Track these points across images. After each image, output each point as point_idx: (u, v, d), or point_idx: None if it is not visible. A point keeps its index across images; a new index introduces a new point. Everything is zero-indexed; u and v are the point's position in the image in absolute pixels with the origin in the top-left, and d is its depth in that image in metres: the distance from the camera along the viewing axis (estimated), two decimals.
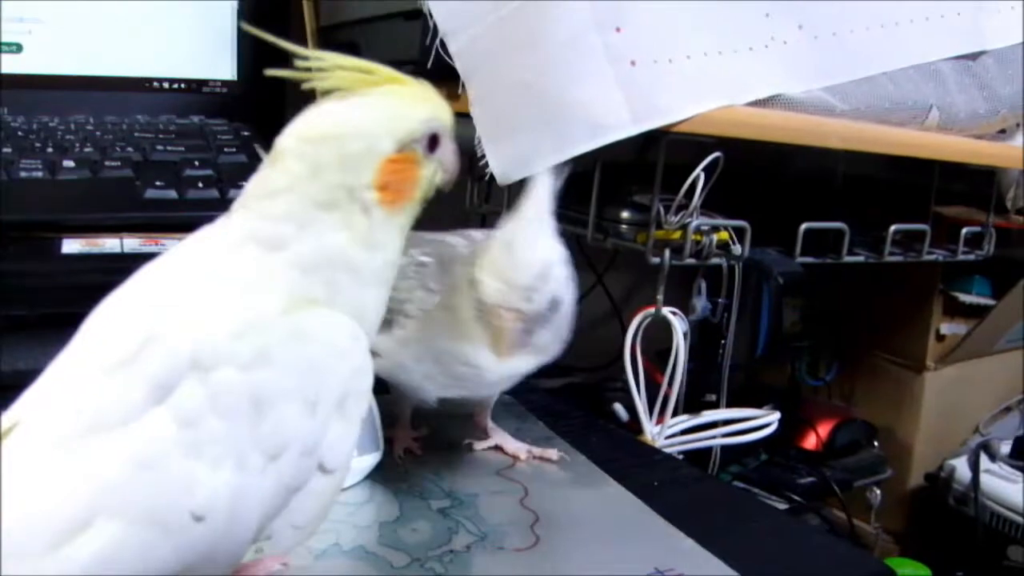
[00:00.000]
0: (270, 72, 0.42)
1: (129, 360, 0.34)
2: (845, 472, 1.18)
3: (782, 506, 1.11)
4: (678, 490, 0.57)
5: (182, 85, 0.95)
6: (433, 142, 0.41)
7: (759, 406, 1.05)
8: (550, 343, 0.55)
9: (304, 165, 0.38)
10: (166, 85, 0.95)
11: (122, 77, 0.93)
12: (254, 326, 0.35)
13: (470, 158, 0.99)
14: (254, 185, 0.40)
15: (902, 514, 1.30)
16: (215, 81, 0.97)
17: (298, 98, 0.94)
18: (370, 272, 0.39)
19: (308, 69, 0.41)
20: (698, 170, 0.76)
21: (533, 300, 0.53)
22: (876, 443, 1.25)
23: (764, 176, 1.01)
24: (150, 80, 0.94)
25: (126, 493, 0.33)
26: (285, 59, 1.02)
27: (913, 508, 1.30)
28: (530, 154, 0.72)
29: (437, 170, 0.42)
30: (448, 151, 0.43)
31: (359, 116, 0.39)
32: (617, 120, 0.72)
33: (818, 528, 1.04)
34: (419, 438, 0.62)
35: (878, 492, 1.22)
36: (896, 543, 1.30)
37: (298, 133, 0.40)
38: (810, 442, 1.17)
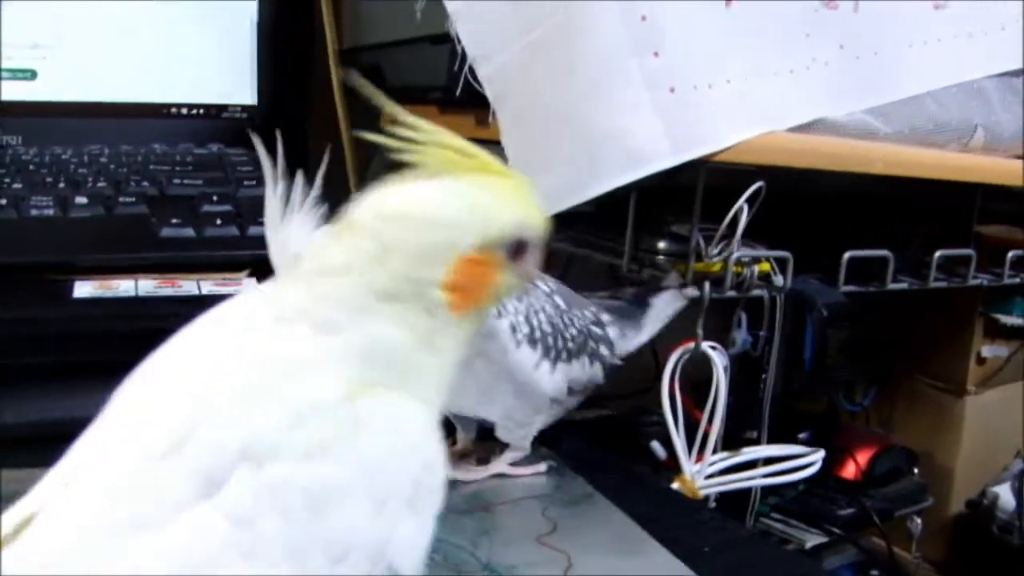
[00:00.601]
0: (362, 135, 0.37)
1: (173, 449, 0.31)
2: (885, 501, 1.14)
3: (821, 538, 1.08)
4: (729, 554, 0.54)
5: (201, 111, 0.92)
6: (518, 249, 0.36)
7: (796, 433, 1.02)
8: None
9: (373, 244, 0.34)
10: (184, 111, 0.92)
11: (138, 103, 0.91)
12: (311, 413, 0.32)
13: None
14: (313, 255, 0.36)
15: (943, 543, 1.26)
16: (235, 106, 0.94)
17: (318, 126, 0.91)
18: (427, 372, 0.35)
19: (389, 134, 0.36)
20: (741, 201, 0.73)
21: None
22: (916, 470, 1.21)
23: (802, 202, 0.98)
24: (168, 106, 0.91)
25: None
26: (306, 85, 1.00)
27: (954, 536, 1.27)
28: (566, 187, 0.69)
29: (515, 280, 0.37)
30: (532, 260, 0.38)
31: (446, 203, 0.35)
32: (656, 151, 0.69)
33: None
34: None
35: (919, 521, 1.18)
36: (937, 573, 1.26)
37: (375, 208, 0.36)
38: (849, 471, 1.13)
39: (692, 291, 0.77)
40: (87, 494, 0.32)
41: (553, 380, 0.56)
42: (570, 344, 0.55)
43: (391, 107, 0.37)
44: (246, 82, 0.94)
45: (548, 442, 0.64)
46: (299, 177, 0.52)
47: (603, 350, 0.57)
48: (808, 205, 0.98)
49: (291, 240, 0.54)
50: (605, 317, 0.60)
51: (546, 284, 0.56)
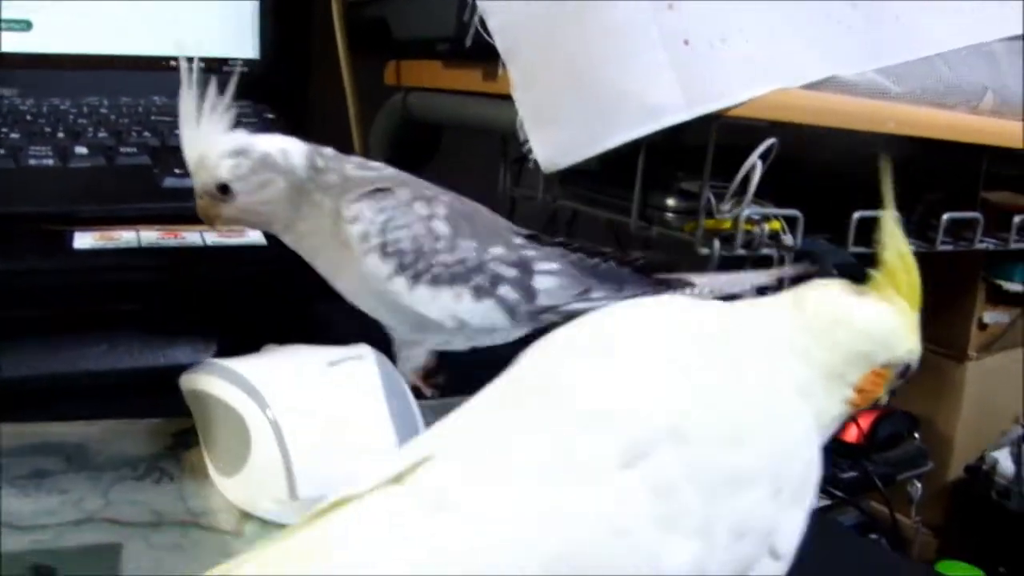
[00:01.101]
0: None
1: (601, 417, 0.33)
2: (887, 465, 1.14)
3: (824, 501, 1.07)
4: None
5: (202, 64, 0.90)
6: (905, 371, 0.42)
7: None
8: None
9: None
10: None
11: (138, 56, 0.88)
12: (738, 403, 0.35)
13: (503, 140, 0.95)
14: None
15: (942, 508, 1.26)
16: (236, 60, 0.92)
17: (323, 80, 0.90)
18: None
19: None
20: (753, 157, 0.72)
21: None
22: (917, 435, 1.20)
23: (811, 161, 0.96)
24: (167, 59, 0.89)
25: (598, 557, 0.31)
26: (308, 39, 0.98)
27: (953, 501, 1.26)
28: (578, 140, 0.68)
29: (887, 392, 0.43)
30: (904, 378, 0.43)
31: (881, 323, 0.40)
32: (671, 104, 0.67)
33: (867, 540, 1.00)
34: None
35: (919, 485, 1.18)
36: (936, 537, 1.26)
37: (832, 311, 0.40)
38: (851, 435, 1.13)
39: (703, 250, 0.76)
40: (496, 444, 0.33)
41: (419, 298, 0.55)
42: (438, 269, 0.54)
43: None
44: (248, 36, 0.92)
45: None
46: (212, 84, 0.52)
47: (504, 291, 0.56)
48: (818, 164, 0.96)
49: (203, 139, 0.55)
50: (544, 265, 0.58)
51: (431, 207, 0.55)
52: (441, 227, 0.55)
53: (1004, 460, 1.21)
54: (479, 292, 0.55)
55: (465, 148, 1.10)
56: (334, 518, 0.31)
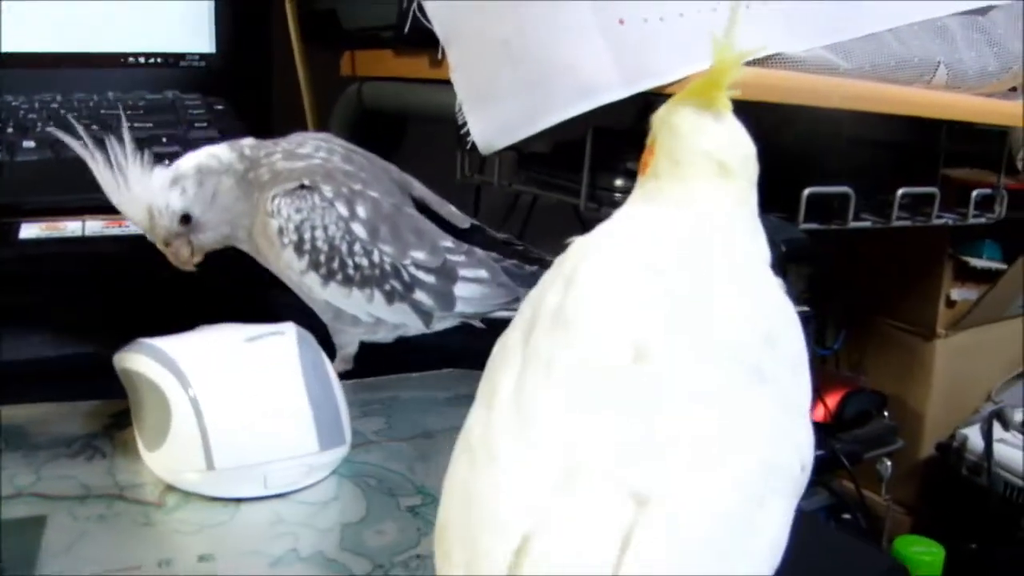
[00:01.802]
0: None
1: (718, 348, 0.33)
2: (855, 444, 1.14)
3: None
4: None
5: (158, 60, 0.92)
6: None
7: None
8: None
9: None
10: (141, 60, 0.91)
11: (95, 53, 0.89)
12: (778, 304, 0.37)
13: (459, 127, 0.96)
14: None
15: (913, 485, 1.27)
16: (192, 55, 0.93)
17: (282, 73, 0.90)
18: None
19: None
20: None
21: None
22: (886, 413, 1.21)
23: (762, 139, 0.97)
24: (124, 55, 0.90)
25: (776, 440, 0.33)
26: (266, 31, 0.99)
27: (924, 479, 1.27)
28: (514, 121, 0.69)
29: None
30: None
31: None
32: (606, 82, 0.68)
33: (831, 526, 1.00)
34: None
35: (888, 463, 1.18)
36: (907, 514, 1.27)
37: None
38: (818, 414, 1.13)
39: None
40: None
41: (331, 293, 0.57)
42: (351, 271, 0.56)
43: None
44: (204, 30, 0.93)
45: None
46: (113, 139, 0.52)
47: (420, 296, 0.57)
48: (767, 142, 0.97)
49: (141, 193, 0.55)
50: (469, 272, 0.59)
51: (351, 209, 0.56)
52: (359, 229, 0.56)
53: (974, 437, 1.22)
54: (392, 295, 0.57)
55: (429, 136, 1.11)
56: None
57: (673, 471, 0.30)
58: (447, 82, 0.77)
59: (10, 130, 0.72)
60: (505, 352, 0.35)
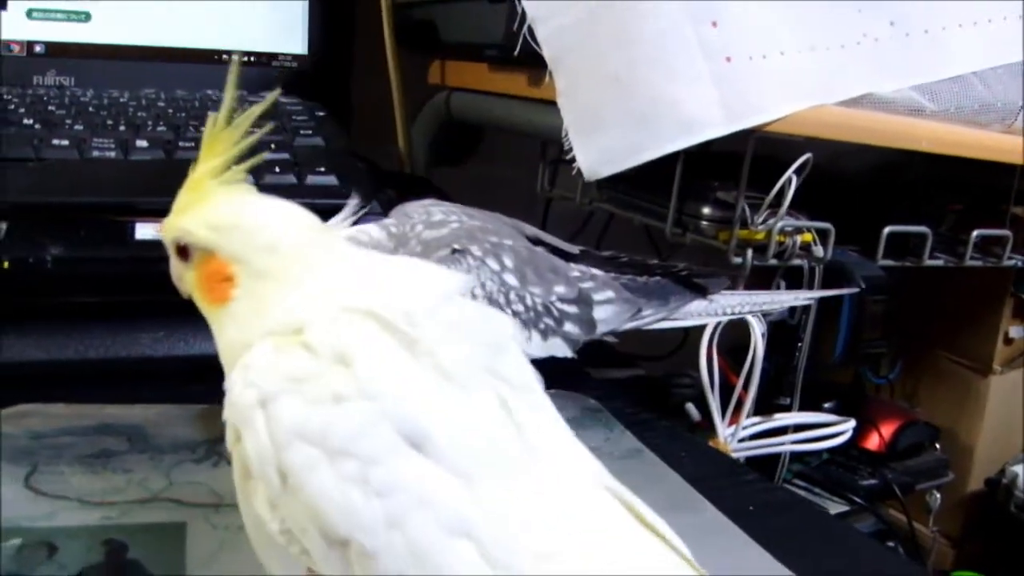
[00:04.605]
0: None
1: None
2: (907, 475, 1.15)
3: (843, 507, 1.09)
4: (773, 516, 0.55)
5: (251, 59, 0.93)
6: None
7: (822, 403, 1.03)
8: None
9: None
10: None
11: (190, 49, 0.91)
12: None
13: (543, 143, 0.97)
14: None
15: (959, 518, 1.28)
16: (285, 55, 0.94)
17: (362, 76, 0.91)
18: None
19: None
20: (789, 172, 0.74)
21: None
22: (938, 445, 1.22)
23: (842, 174, 0.98)
24: (219, 52, 0.92)
25: None
26: (351, 34, 1.00)
27: (971, 513, 1.28)
28: (620, 150, 0.70)
29: None
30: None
31: None
32: (710, 118, 0.70)
33: (886, 547, 1.01)
34: None
35: (938, 495, 1.19)
36: (952, 547, 1.28)
37: None
38: (873, 442, 1.14)
39: (736, 259, 0.78)
40: None
41: None
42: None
43: None
44: (298, 32, 0.95)
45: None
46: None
47: (569, 327, 0.59)
48: (848, 177, 0.98)
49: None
50: (601, 295, 0.61)
51: (500, 262, 0.57)
52: (510, 279, 0.57)
53: None
54: (546, 333, 0.58)
55: (501, 149, 1.12)
56: None
57: None
58: (544, 101, 0.78)
59: (122, 127, 0.73)
60: None
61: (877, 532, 1.16)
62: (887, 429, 1.15)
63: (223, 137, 0.38)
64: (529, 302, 0.57)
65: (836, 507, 1.10)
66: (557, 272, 0.59)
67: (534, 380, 0.37)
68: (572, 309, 0.59)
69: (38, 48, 0.87)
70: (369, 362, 0.32)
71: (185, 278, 0.39)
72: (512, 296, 0.57)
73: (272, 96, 0.40)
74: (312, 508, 0.30)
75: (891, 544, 1.16)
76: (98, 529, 0.44)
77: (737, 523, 0.52)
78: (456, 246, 0.56)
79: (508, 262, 0.57)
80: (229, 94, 0.38)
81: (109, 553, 0.43)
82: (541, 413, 0.36)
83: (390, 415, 0.31)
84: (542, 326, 0.58)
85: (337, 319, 0.33)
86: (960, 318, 1.26)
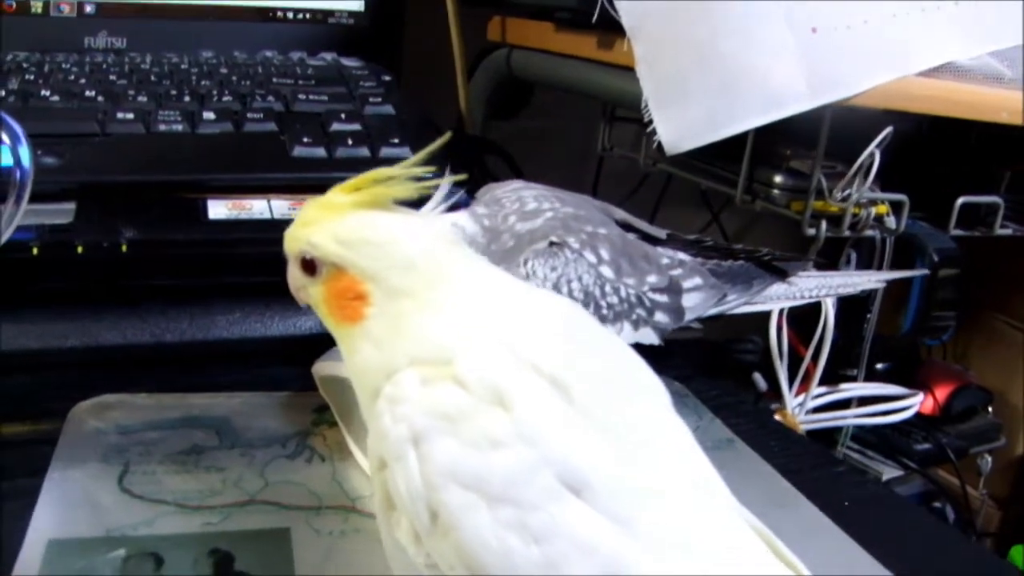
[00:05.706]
0: None
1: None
2: (960, 439, 1.15)
3: (897, 471, 1.09)
4: (868, 511, 0.54)
5: (307, 15, 0.91)
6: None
7: (875, 364, 1.02)
8: None
9: None
10: (290, 15, 0.90)
11: (243, 6, 0.89)
12: None
13: (604, 104, 0.95)
14: None
15: (1008, 481, 1.27)
16: (342, 12, 0.92)
17: (417, 34, 0.88)
18: None
19: None
20: (872, 147, 0.72)
21: None
22: (991, 409, 1.21)
23: (915, 143, 0.96)
24: (273, 10, 0.90)
25: None
26: None
27: (1020, 476, 1.27)
28: (702, 124, 0.68)
29: None
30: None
31: None
32: (795, 92, 0.68)
33: (936, 518, 1.01)
34: None
35: (989, 459, 1.18)
36: (998, 509, 1.27)
37: None
38: (927, 406, 1.13)
39: (810, 230, 0.77)
40: None
41: None
42: (604, 311, 0.56)
43: None
44: None
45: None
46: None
47: (659, 317, 0.58)
48: (920, 147, 0.96)
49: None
50: (690, 283, 0.59)
51: (597, 254, 0.56)
52: (607, 271, 0.56)
53: None
54: (638, 323, 0.57)
55: (553, 103, 1.10)
56: None
57: None
58: (618, 65, 0.76)
59: (187, 98, 0.72)
60: None
61: (923, 493, 1.16)
62: (941, 392, 1.14)
63: (373, 175, 0.36)
64: (623, 293, 0.56)
65: (889, 471, 1.09)
66: (649, 261, 0.58)
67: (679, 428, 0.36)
68: (663, 299, 0.57)
69: (88, 8, 0.85)
70: (527, 406, 0.30)
71: (310, 292, 0.38)
72: (607, 288, 0.55)
73: (435, 144, 0.37)
74: (465, 551, 0.30)
75: (937, 505, 1.16)
76: (201, 537, 0.43)
77: (835, 520, 0.51)
78: (553, 238, 0.55)
79: (604, 254, 0.56)
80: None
81: (217, 564, 0.42)
82: (681, 446, 0.35)
83: (550, 461, 0.30)
84: (634, 317, 0.56)
85: (487, 354, 0.32)
86: (1013, 280, 1.24)
